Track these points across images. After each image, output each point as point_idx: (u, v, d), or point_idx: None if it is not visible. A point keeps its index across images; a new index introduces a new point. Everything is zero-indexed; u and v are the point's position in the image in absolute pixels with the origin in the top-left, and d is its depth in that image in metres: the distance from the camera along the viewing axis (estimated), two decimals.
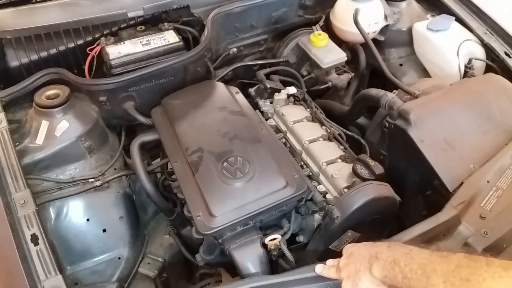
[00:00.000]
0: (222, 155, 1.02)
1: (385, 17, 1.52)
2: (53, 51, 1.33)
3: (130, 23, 1.42)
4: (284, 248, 0.99)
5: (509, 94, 1.21)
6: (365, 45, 1.48)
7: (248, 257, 0.95)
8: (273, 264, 1.03)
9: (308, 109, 1.31)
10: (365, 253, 0.76)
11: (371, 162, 1.03)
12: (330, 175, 1.08)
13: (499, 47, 1.41)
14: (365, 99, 1.31)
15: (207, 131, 1.10)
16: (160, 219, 1.32)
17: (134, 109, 1.27)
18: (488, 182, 0.98)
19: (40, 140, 1.14)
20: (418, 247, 0.70)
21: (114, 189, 1.19)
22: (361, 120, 1.45)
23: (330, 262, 0.83)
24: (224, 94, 1.24)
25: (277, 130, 1.26)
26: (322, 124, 1.25)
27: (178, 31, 1.40)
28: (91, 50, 1.32)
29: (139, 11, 1.37)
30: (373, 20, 1.48)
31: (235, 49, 1.53)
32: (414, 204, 1.15)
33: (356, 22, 1.40)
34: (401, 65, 1.59)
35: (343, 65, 1.54)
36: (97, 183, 1.15)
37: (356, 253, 0.78)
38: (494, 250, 0.85)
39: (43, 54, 1.32)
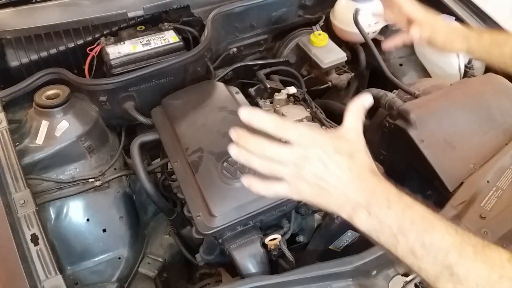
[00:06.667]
0: (222, 155, 1.02)
1: None
2: (53, 51, 1.33)
3: (130, 23, 1.42)
4: (284, 248, 0.99)
5: (509, 94, 1.21)
6: (365, 45, 1.48)
7: (248, 257, 0.95)
8: (273, 264, 1.04)
9: (308, 109, 1.31)
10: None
11: None
12: None
13: None
14: None
15: (207, 131, 1.10)
16: (160, 219, 1.32)
17: (134, 109, 1.27)
18: (488, 182, 0.98)
19: (40, 140, 1.14)
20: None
21: (114, 189, 1.19)
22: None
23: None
24: (224, 94, 1.24)
25: None
26: (322, 124, 1.25)
27: (178, 31, 1.39)
28: (91, 50, 1.32)
29: (139, 11, 1.37)
30: (373, 20, 1.48)
31: (235, 49, 1.53)
32: None
33: (356, 22, 1.40)
34: (401, 65, 1.59)
35: (343, 65, 1.53)
36: (97, 183, 1.15)
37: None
38: None
39: (43, 54, 1.32)
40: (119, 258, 1.15)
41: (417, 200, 0.60)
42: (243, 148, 0.60)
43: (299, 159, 0.59)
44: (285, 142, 0.59)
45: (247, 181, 0.63)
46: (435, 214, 0.58)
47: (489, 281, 0.51)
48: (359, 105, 0.65)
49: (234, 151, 0.61)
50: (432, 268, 0.54)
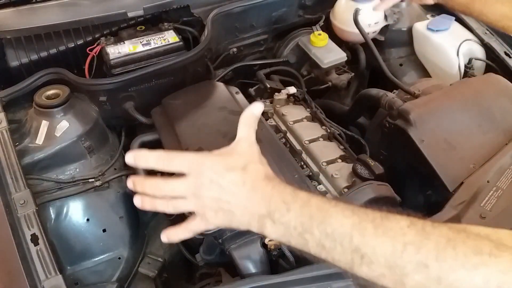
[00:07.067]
0: None
1: (385, 17, 1.52)
2: (53, 51, 1.33)
3: (130, 23, 1.42)
4: (284, 248, 0.99)
5: (509, 94, 1.21)
6: (365, 45, 1.48)
7: (248, 257, 0.95)
8: (273, 264, 1.03)
9: (308, 109, 1.31)
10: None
11: (371, 162, 1.03)
12: (330, 175, 1.08)
13: (499, 47, 1.41)
14: (365, 99, 1.31)
15: (207, 131, 1.10)
16: (160, 219, 1.32)
17: (134, 109, 1.27)
18: (488, 182, 0.98)
19: (40, 140, 1.13)
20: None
21: (114, 189, 1.19)
22: (361, 120, 1.45)
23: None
24: (224, 94, 1.24)
25: (277, 130, 1.26)
26: (322, 124, 1.25)
27: (178, 31, 1.40)
28: (91, 50, 1.32)
29: (139, 11, 1.37)
30: (373, 20, 1.48)
31: (235, 49, 1.53)
32: (414, 204, 1.15)
33: (356, 22, 1.40)
34: (401, 65, 1.59)
35: (343, 65, 1.53)
36: (97, 183, 1.15)
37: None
38: None
39: (43, 54, 1.32)
40: (119, 258, 1.15)
41: (320, 195, 0.61)
42: (143, 195, 0.61)
43: (195, 188, 0.58)
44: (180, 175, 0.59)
45: (165, 237, 0.63)
46: (330, 201, 0.57)
47: (395, 252, 0.50)
48: (249, 114, 0.67)
49: (137, 201, 0.61)
50: (343, 256, 0.54)
